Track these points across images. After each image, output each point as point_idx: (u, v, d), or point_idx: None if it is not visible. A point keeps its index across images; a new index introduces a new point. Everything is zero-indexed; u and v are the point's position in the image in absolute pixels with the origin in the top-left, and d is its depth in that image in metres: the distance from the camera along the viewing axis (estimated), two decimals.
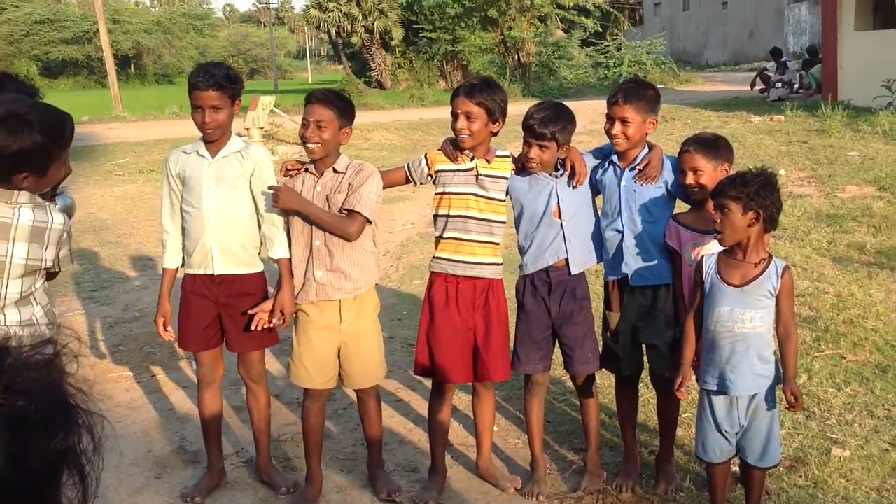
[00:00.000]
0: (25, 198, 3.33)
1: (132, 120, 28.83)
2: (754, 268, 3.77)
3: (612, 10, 42.23)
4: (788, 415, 5.10)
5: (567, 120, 4.32)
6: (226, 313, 4.45)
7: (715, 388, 3.87)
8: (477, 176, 4.37)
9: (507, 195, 4.44)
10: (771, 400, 3.83)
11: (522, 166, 4.38)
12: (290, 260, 4.37)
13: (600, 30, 38.62)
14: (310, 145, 4.23)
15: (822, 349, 6.08)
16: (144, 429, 5.43)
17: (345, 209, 4.21)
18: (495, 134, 4.42)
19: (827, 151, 13.72)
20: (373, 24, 40.36)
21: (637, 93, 4.32)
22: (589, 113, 18.39)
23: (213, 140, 4.35)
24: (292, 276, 4.36)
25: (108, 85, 35.62)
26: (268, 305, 4.35)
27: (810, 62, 22.49)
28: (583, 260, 4.44)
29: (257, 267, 4.49)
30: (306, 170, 4.35)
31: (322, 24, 42.69)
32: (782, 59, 22.76)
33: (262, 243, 4.47)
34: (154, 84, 77.07)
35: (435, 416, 4.59)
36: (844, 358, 5.93)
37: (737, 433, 3.91)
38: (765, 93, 22.46)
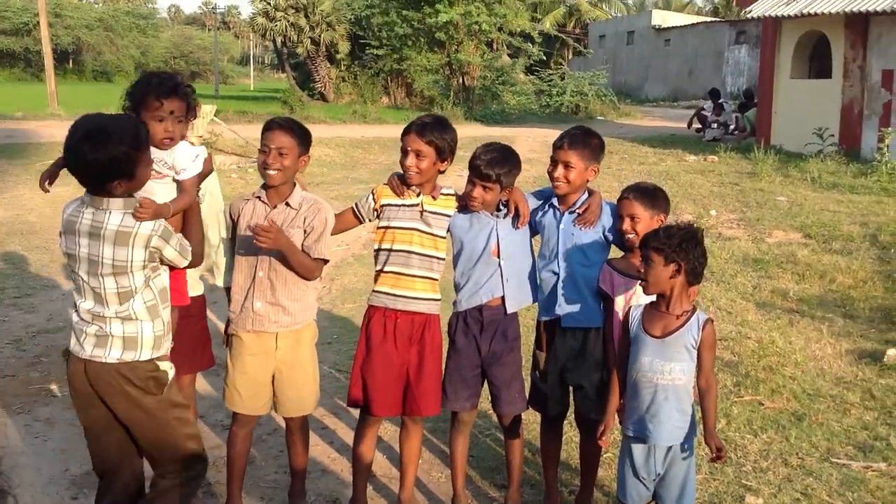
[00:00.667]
0: (119, 204, 3.52)
1: (67, 118, 28.25)
2: (676, 319, 3.85)
3: (559, 34, 42.73)
4: (705, 460, 5.20)
5: (513, 164, 4.38)
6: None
7: (635, 436, 3.95)
8: (422, 212, 4.41)
9: (447, 232, 4.49)
10: (688, 450, 3.91)
11: (465, 204, 4.43)
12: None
13: (545, 57, 39.06)
14: (270, 172, 4.22)
15: (742, 395, 6.22)
16: (62, 446, 5.33)
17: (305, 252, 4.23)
18: (442, 172, 4.47)
19: (757, 195, 14.04)
20: (319, 35, 40.30)
21: (582, 140, 4.42)
22: (529, 141, 18.61)
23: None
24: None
25: (45, 79, 34.93)
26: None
27: (746, 105, 23.00)
28: (519, 299, 4.50)
29: (197, 290, 4.47)
30: (257, 197, 4.34)
31: (268, 33, 42.51)
32: (720, 101, 23.25)
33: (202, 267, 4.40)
34: (92, 81, 75.84)
35: (359, 448, 4.59)
36: (763, 404, 6.07)
37: (654, 479, 3.98)
38: (701, 132, 22.91)
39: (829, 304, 8.46)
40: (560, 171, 4.39)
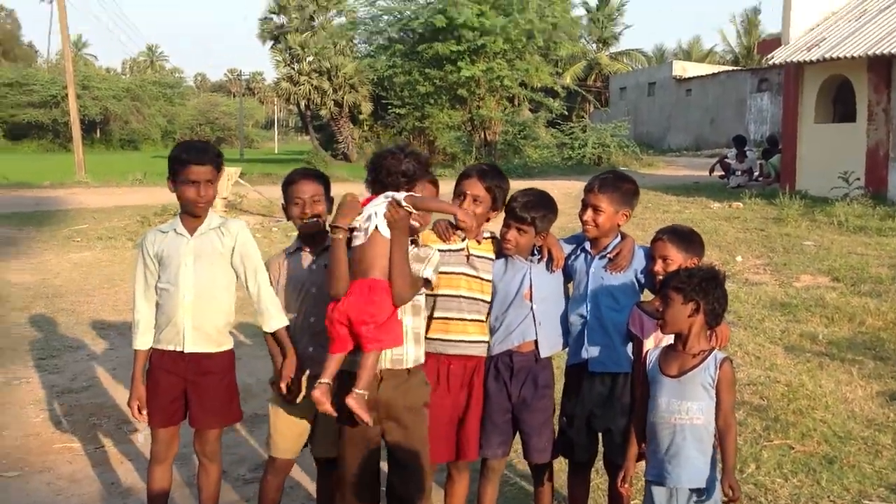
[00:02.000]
0: None
1: (94, 186, 28.73)
2: (693, 359, 3.80)
3: (580, 88, 42.96)
4: None
5: (548, 209, 4.41)
6: (192, 389, 4.41)
7: (655, 479, 3.88)
8: (468, 256, 4.42)
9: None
10: (712, 494, 3.82)
11: (499, 248, 4.44)
12: (287, 328, 4.35)
13: (566, 112, 39.27)
14: (308, 221, 4.33)
15: (772, 438, 6.10)
16: (85, 502, 5.31)
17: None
18: (487, 221, 4.49)
19: (783, 240, 13.93)
20: (342, 97, 40.85)
21: (613, 184, 4.42)
22: (553, 192, 18.59)
23: (201, 215, 4.37)
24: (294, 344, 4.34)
25: (73, 149, 35.54)
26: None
27: (770, 151, 22.94)
28: (552, 343, 4.47)
29: (227, 345, 4.48)
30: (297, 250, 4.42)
31: (292, 97, 43.16)
32: (744, 148, 23.21)
33: (232, 321, 4.50)
34: (119, 149, 77.08)
35: (454, 496, 4.57)
36: (793, 448, 5.95)
37: None
38: (725, 179, 22.85)
39: (858, 347, 8.32)
40: (589, 214, 4.39)
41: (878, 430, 6.26)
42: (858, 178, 18.01)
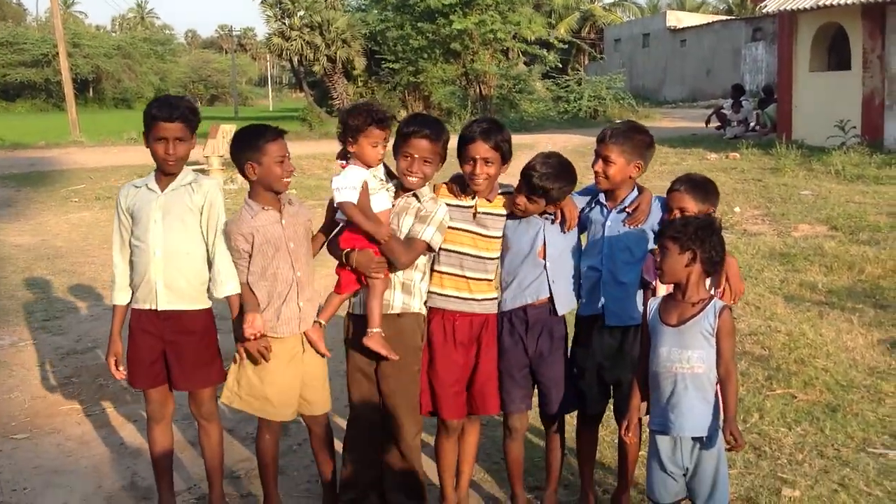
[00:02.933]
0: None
1: (89, 145, 28.59)
2: (692, 307, 3.82)
3: (575, 40, 42.60)
4: (740, 454, 5.15)
5: (567, 181, 4.32)
6: (171, 350, 4.38)
7: (658, 429, 3.92)
8: (475, 214, 4.40)
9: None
10: (716, 443, 3.85)
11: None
12: (239, 296, 4.35)
13: (561, 64, 39.01)
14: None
15: (774, 388, 6.15)
16: (95, 464, 5.35)
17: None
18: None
19: (781, 190, 13.94)
20: (335, 53, 40.46)
21: (625, 134, 4.35)
22: (549, 146, 18.51)
23: (173, 173, 4.34)
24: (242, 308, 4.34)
25: (66, 108, 35.32)
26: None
27: (766, 101, 22.88)
28: (567, 301, 4.45)
29: (204, 303, 4.44)
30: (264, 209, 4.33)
31: (284, 53, 42.72)
32: (742, 97, 23.10)
33: (207, 279, 4.42)
34: (112, 108, 76.58)
35: (444, 452, 4.59)
36: (795, 397, 6.00)
37: (684, 474, 3.93)
38: (721, 130, 22.79)
39: (858, 295, 8.37)
40: (600, 165, 4.34)
41: (880, 378, 6.32)
42: (854, 127, 17.98)
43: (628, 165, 4.33)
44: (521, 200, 4.30)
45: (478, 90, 35.98)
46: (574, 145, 18.12)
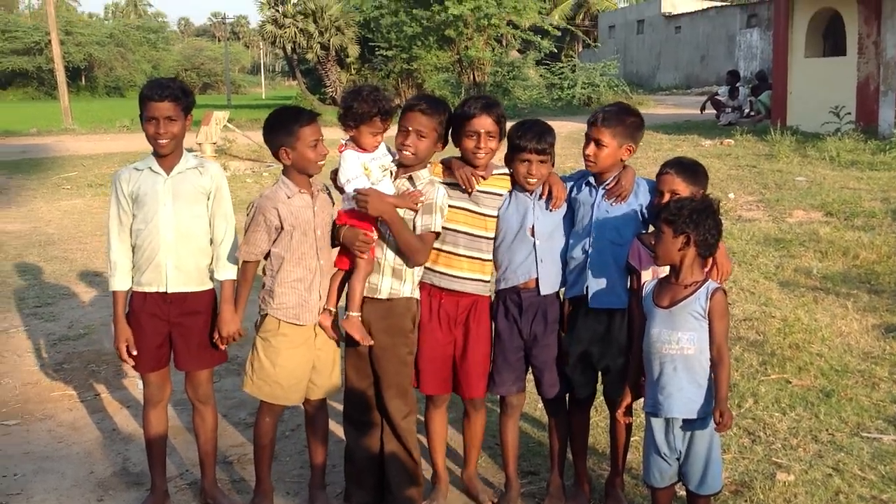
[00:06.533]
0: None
1: (82, 133, 28.50)
2: (684, 289, 3.81)
3: (569, 27, 42.48)
4: (735, 439, 5.15)
5: (554, 134, 4.38)
6: (177, 332, 4.40)
7: (650, 410, 3.91)
8: (470, 192, 4.38)
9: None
10: (708, 426, 3.84)
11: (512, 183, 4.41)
12: (234, 283, 4.37)
13: (555, 50, 38.91)
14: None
15: (769, 373, 6.14)
16: (87, 449, 5.32)
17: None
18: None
19: (775, 176, 13.92)
20: (329, 40, 40.33)
21: (617, 117, 4.32)
22: None
23: (166, 154, 4.31)
24: (234, 299, 4.39)
25: (59, 97, 35.20)
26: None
27: (759, 88, 22.81)
28: (553, 281, 4.43)
29: (208, 284, 4.45)
30: (300, 193, 4.31)
31: (278, 40, 42.58)
32: (737, 84, 23.04)
33: (210, 261, 4.44)
34: (104, 96, 76.41)
35: (431, 427, 4.64)
36: (790, 382, 5.99)
37: (677, 458, 3.92)
38: (716, 117, 22.74)
39: (853, 281, 8.36)
40: (592, 148, 4.30)
41: (874, 363, 6.31)
42: (849, 113, 17.94)
43: (620, 149, 4.31)
44: (535, 169, 4.28)
45: (471, 77, 35.88)
46: (568, 132, 18.05)
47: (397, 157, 4.36)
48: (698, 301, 3.77)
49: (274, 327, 4.30)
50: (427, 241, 4.27)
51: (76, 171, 18.00)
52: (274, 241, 4.27)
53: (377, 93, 4.28)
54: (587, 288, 4.34)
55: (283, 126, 4.24)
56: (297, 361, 4.33)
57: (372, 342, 4.29)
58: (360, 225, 4.20)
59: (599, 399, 4.68)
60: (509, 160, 4.39)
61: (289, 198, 4.24)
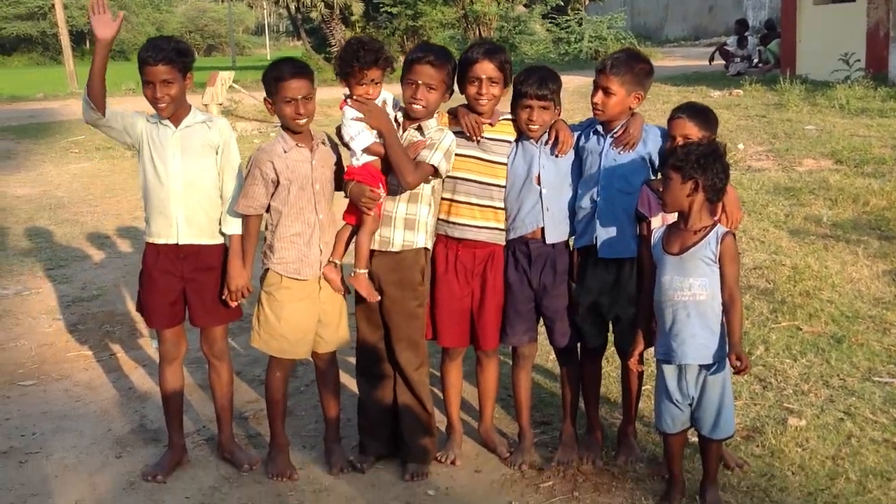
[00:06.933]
0: None
1: None
2: (694, 235, 3.81)
3: None
4: (746, 385, 5.17)
5: (559, 81, 4.34)
6: (190, 288, 4.43)
7: (663, 358, 3.93)
8: (478, 140, 4.37)
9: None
10: (721, 371, 3.86)
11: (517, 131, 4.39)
12: (241, 237, 4.40)
13: (562, 3, 38.53)
14: (301, 122, 4.24)
15: (779, 321, 6.15)
16: (104, 408, 5.38)
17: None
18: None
19: (785, 125, 13.81)
20: None
21: (626, 64, 4.28)
22: None
23: (166, 115, 4.32)
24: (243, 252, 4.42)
25: (63, 62, 35.05)
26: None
27: (768, 37, 22.54)
28: (560, 230, 4.43)
29: (220, 239, 4.47)
30: (297, 146, 4.30)
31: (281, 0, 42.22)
32: (746, 33, 22.79)
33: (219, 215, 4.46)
34: (110, 60, 75.77)
35: (447, 379, 4.69)
36: (801, 329, 6.00)
37: (690, 404, 3.95)
38: (725, 68, 22.53)
39: (863, 227, 8.33)
40: (600, 96, 4.27)
41: (885, 309, 6.31)
42: (859, 60, 17.73)
43: (628, 96, 4.28)
44: (537, 115, 4.27)
45: (477, 32, 35.51)
46: (575, 86, 17.91)
47: (400, 108, 4.36)
48: (709, 246, 3.77)
49: (276, 281, 4.35)
50: (421, 168, 4.22)
51: (84, 134, 17.95)
52: (272, 196, 4.29)
53: (361, 44, 4.26)
54: (596, 238, 4.33)
55: (265, 79, 4.28)
56: (301, 315, 4.36)
57: (379, 298, 4.31)
58: (368, 181, 4.20)
59: (610, 349, 4.70)
60: (513, 107, 4.38)
61: (285, 152, 4.26)
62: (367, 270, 4.29)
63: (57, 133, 18.43)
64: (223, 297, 4.45)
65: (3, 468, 4.65)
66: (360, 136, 4.21)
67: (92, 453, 4.80)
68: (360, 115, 4.21)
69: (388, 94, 4.37)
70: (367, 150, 4.23)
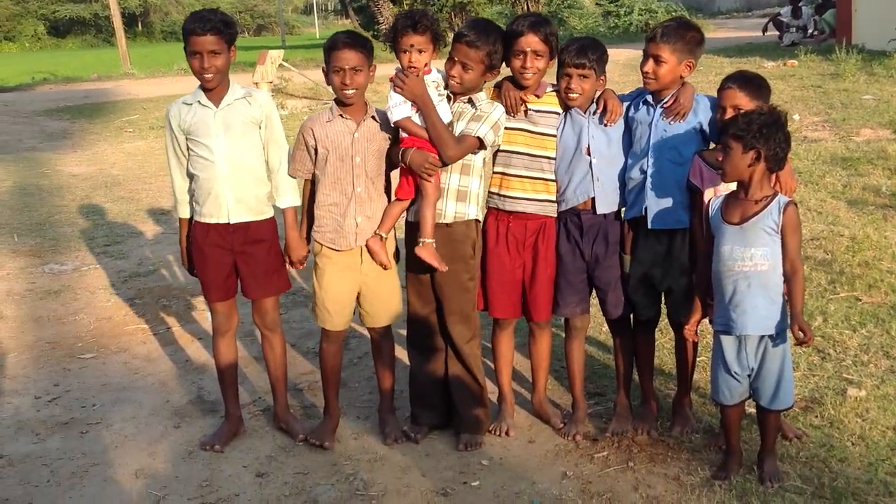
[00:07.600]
0: None
1: (141, 77, 28.71)
2: (755, 205, 3.75)
3: None
4: (804, 356, 5.10)
5: (601, 50, 4.31)
6: (241, 260, 4.47)
7: (722, 329, 3.88)
8: (526, 111, 4.36)
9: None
10: (781, 341, 3.81)
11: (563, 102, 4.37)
12: (295, 209, 4.45)
13: None
14: (348, 92, 4.24)
15: (838, 291, 6.05)
16: (162, 380, 5.46)
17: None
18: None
19: (841, 95, 13.56)
20: None
21: (676, 32, 4.21)
22: None
23: (212, 87, 4.32)
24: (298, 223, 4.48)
25: (116, 43, 35.43)
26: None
27: (823, 6, 22.13)
28: (610, 200, 4.39)
29: (268, 213, 4.50)
30: (339, 115, 4.31)
31: None
32: (799, 3, 22.37)
33: (268, 190, 4.49)
34: (161, 41, 76.67)
35: (498, 349, 4.70)
36: (860, 300, 5.90)
37: (749, 375, 3.90)
38: (779, 38, 22.15)
39: None
40: (650, 65, 4.21)
41: None
42: None
43: (679, 65, 4.21)
44: (575, 83, 4.25)
45: (525, 7, 35.22)
46: (626, 59, 17.78)
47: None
48: (770, 216, 3.71)
49: (318, 250, 4.42)
50: (465, 141, 4.22)
51: (137, 114, 18.20)
52: (314, 164, 4.35)
53: (406, 12, 4.29)
54: (646, 209, 4.28)
55: (324, 48, 4.31)
56: (341, 286, 4.40)
57: (446, 268, 4.27)
58: (428, 147, 4.20)
59: (664, 321, 4.66)
60: (558, 78, 4.35)
61: (328, 121, 4.30)
62: (433, 241, 4.26)
63: (111, 113, 18.68)
64: (287, 265, 4.52)
65: (65, 438, 4.74)
66: (397, 108, 4.20)
67: (151, 424, 4.87)
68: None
69: (438, 73, 4.34)
70: (399, 125, 4.22)
